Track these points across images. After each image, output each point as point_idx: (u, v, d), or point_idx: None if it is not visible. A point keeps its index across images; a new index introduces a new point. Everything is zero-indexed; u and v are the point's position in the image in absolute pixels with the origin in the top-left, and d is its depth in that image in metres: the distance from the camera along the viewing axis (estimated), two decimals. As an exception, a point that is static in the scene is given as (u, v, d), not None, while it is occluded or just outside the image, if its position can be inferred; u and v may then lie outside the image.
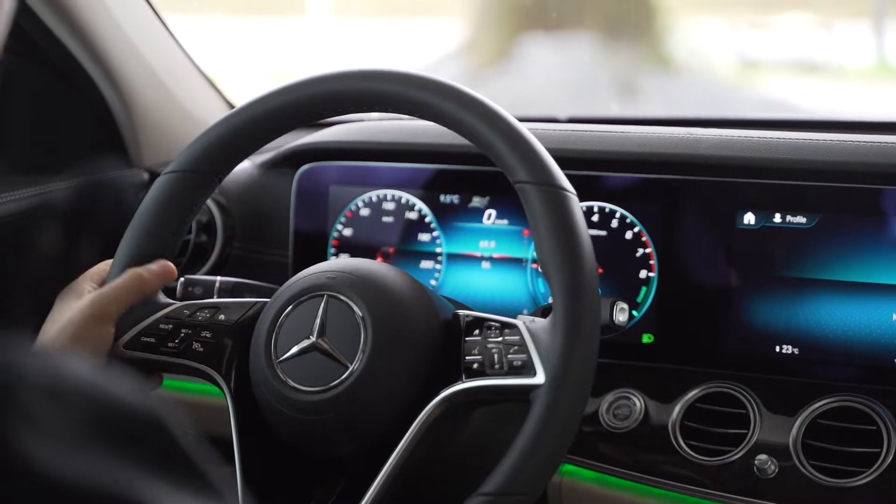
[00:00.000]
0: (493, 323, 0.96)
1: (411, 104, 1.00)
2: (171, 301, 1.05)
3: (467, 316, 0.98)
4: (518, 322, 0.95)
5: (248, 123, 1.05)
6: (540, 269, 0.99)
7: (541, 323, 0.94)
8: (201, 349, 1.02)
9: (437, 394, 0.94)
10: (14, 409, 0.43)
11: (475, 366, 0.94)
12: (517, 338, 0.94)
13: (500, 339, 0.94)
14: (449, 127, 0.99)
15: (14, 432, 0.42)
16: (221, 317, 1.03)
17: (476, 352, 0.95)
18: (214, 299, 1.07)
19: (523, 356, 0.92)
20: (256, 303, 1.04)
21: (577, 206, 0.94)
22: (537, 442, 0.89)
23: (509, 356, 0.93)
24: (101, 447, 0.44)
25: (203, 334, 1.03)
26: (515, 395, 0.92)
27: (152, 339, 1.02)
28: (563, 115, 1.47)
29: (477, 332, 0.96)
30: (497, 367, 0.93)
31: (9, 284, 1.32)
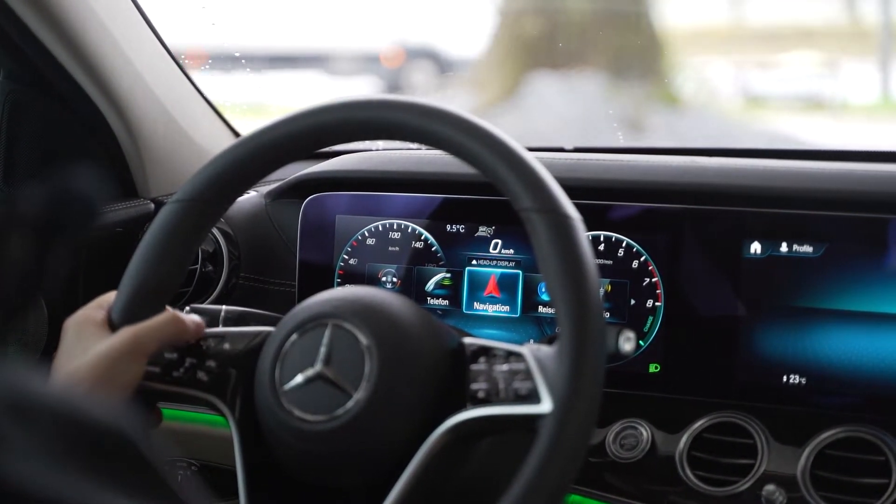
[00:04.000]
0: (498, 351, 0.95)
1: (417, 133, 1.00)
2: None
3: (473, 344, 0.97)
4: (524, 350, 0.94)
5: (253, 153, 1.04)
6: (548, 297, 0.98)
7: (547, 351, 0.93)
8: (206, 378, 1.01)
9: (442, 422, 0.93)
10: None
11: (480, 394, 0.93)
12: (523, 366, 0.93)
13: (506, 367, 0.93)
14: (454, 155, 0.99)
15: None
16: (226, 346, 1.03)
17: (482, 380, 0.94)
18: (220, 328, 1.06)
19: (529, 384, 0.91)
20: (262, 332, 1.03)
21: (583, 233, 0.93)
22: (543, 471, 0.87)
23: (515, 384, 0.92)
24: (69, 465, 0.44)
25: (208, 364, 1.02)
26: (521, 423, 0.92)
27: (157, 369, 1.01)
28: (569, 145, 1.47)
29: (482, 359, 0.95)
30: (503, 395, 0.92)
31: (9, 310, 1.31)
